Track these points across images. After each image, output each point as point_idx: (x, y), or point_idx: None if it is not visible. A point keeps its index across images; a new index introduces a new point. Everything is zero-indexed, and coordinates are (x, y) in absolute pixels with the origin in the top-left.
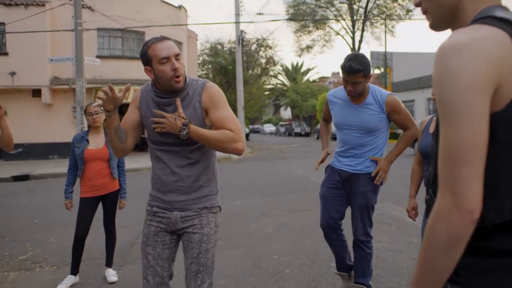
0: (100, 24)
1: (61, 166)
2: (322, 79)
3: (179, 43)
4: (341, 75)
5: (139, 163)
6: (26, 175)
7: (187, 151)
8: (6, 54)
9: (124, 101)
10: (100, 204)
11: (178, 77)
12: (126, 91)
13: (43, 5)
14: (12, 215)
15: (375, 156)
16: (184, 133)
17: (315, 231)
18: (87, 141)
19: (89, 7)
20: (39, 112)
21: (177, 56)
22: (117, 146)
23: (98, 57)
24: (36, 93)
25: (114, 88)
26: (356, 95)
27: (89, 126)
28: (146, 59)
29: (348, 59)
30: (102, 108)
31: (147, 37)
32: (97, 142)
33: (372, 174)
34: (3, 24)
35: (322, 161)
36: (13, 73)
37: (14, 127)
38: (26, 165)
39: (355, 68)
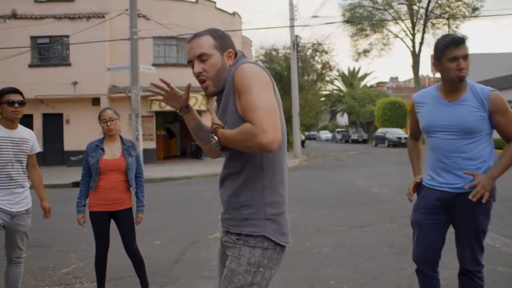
0: (155, 32)
1: None
2: (380, 84)
3: None
4: (398, 79)
5: (192, 170)
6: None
7: (227, 160)
8: (69, 65)
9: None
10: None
11: (202, 82)
12: (188, 90)
13: (103, 16)
14: (64, 224)
15: (480, 169)
16: (213, 142)
17: (376, 252)
18: (102, 150)
19: (144, 16)
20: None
21: (201, 57)
22: (204, 148)
23: (153, 65)
24: (96, 101)
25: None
26: (451, 90)
27: (104, 134)
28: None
29: (445, 36)
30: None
31: None
32: (113, 152)
33: (466, 187)
34: (67, 36)
35: (415, 190)
36: (75, 83)
37: (75, 135)
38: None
39: (461, 37)
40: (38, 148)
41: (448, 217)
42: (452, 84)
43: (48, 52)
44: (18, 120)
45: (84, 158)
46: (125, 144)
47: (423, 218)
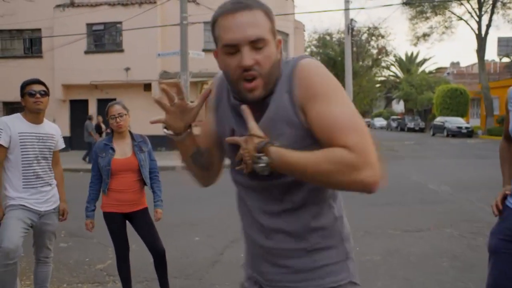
0: (206, 17)
1: (167, 159)
2: (439, 70)
3: (285, 34)
4: (459, 64)
5: None
6: None
7: (279, 191)
8: (122, 51)
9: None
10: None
11: (249, 80)
12: (204, 98)
13: (155, 2)
14: None
15: None
16: (261, 165)
17: (435, 264)
18: (113, 149)
19: (194, 1)
20: (149, 106)
21: (255, 44)
22: (198, 176)
23: (204, 50)
24: (147, 87)
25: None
26: None
27: (112, 131)
28: (214, 36)
29: None
30: (164, 123)
31: None
32: (123, 150)
33: None
34: (120, 23)
35: (503, 203)
36: (127, 69)
37: None
38: None
39: None
40: (62, 144)
41: None
42: None
43: (103, 39)
44: (42, 112)
45: (93, 158)
46: (136, 140)
47: (502, 246)
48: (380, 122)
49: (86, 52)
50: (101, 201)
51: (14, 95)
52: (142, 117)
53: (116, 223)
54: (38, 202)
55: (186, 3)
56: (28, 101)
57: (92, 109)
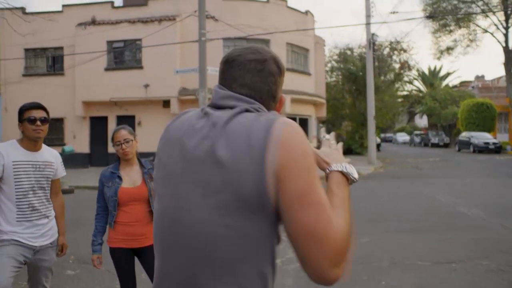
0: (225, 33)
1: None
2: (464, 83)
3: (305, 50)
4: (484, 78)
5: None
6: None
7: None
8: (141, 68)
9: None
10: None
11: None
12: None
13: (174, 19)
14: None
15: None
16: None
17: None
18: (120, 177)
19: (212, 17)
20: (168, 122)
21: None
22: None
23: None
24: (166, 103)
25: None
26: None
27: (118, 158)
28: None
29: None
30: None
31: (273, 45)
32: (132, 178)
33: None
34: (140, 40)
35: None
36: (146, 85)
37: (146, 137)
38: None
39: None
40: (62, 171)
41: None
42: None
43: (122, 56)
44: (41, 140)
45: (98, 188)
46: (145, 167)
47: None
48: (403, 137)
49: (106, 69)
50: (107, 234)
51: None
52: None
53: (124, 260)
54: (33, 236)
55: (205, 19)
56: (27, 128)
57: (112, 126)
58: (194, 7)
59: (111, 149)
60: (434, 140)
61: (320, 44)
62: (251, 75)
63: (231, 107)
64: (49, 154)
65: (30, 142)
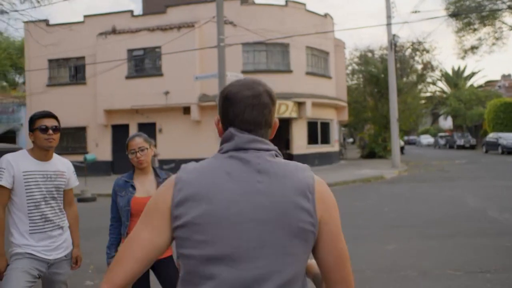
0: (244, 38)
1: None
2: (489, 83)
3: (325, 53)
4: (510, 77)
5: None
6: None
7: None
8: (161, 75)
9: None
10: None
11: None
12: None
13: (193, 26)
14: None
15: None
16: None
17: None
18: (133, 187)
19: (231, 22)
20: (188, 129)
21: None
22: None
23: (243, 72)
24: (187, 110)
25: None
26: None
27: (133, 166)
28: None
29: None
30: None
31: (292, 48)
32: (146, 188)
33: None
34: (159, 47)
35: None
36: (167, 92)
37: (167, 143)
38: None
39: None
40: (75, 181)
41: None
42: None
43: (143, 64)
44: (52, 149)
45: (111, 197)
46: (160, 177)
47: None
48: (427, 139)
49: (127, 77)
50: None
51: (60, 122)
52: (182, 141)
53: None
54: (48, 249)
55: (223, 25)
56: (39, 137)
57: (133, 133)
58: (212, 13)
59: None
60: (460, 141)
61: (340, 46)
62: (250, 110)
63: (257, 149)
64: (61, 164)
65: (41, 152)
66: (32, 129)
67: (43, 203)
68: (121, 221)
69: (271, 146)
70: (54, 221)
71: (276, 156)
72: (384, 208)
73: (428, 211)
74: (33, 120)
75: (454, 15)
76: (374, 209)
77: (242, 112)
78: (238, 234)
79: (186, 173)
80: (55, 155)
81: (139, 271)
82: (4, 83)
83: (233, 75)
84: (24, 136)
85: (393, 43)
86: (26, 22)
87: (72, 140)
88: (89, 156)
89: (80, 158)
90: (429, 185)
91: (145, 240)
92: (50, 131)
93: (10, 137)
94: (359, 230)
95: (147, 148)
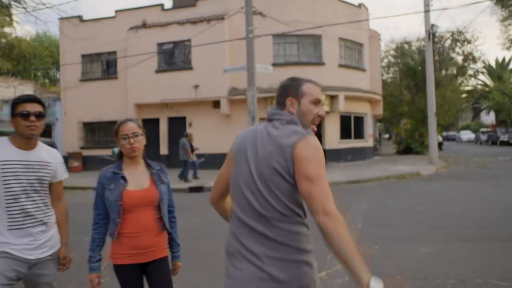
0: (274, 29)
1: None
2: None
3: (359, 44)
4: None
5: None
6: (200, 187)
7: None
8: (191, 68)
9: None
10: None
11: (315, 124)
12: None
13: (223, 18)
14: None
15: None
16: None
17: None
18: (124, 178)
19: (260, 13)
20: (218, 123)
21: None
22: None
23: (273, 64)
24: (216, 104)
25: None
26: None
27: (121, 155)
28: (297, 91)
29: None
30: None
31: (324, 40)
32: (138, 180)
33: None
34: (189, 40)
35: None
36: (196, 86)
37: (197, 137)
38: (205, 175)
39: None
40: (64, 173)
41: None
42: None
43: (172, 57)
44: (36, 137)
45: (96, 192)
46: (153, 168)
47: None
48: (467, 135)
49: (157, 71)
50: (109, 249)
51: (92, 116)
52: (211, 135)
53: (131, 279)
54: (28, 248)
55: (252, 15)
56: (20, 124)
57: (163, 127)
58: (242, 5)
59: (163, 151)
60: (504, 137)
61: (375, 38)
62: (277, 95)
63: (278, 119)
64: (47, 154)
65: (22, 140)
66: (13, 114)
67: (23, 196)
68: (107, 219)
69: (285, 117)
70: (36, 216)
71: (288, 123)
72: (419, 207)
73: (468, 211)
74: (14, 104)
75: (500, 2)
76: (407, 208)
77: (276, 98)
78: (238, 167)
79: (241, 133)
80: (42, 145)
81: (224, 190)
82: (46, 80)
83: (262, 67)
84: (59, 129)
85: (431, 32)
86: (60, 19)
87: (104, 134)
88: (116, 150)
89: (110, 152)
90: (470, 183)
91: (222, 170)
92: (32, 118)
93: (46, 131)
94: (391, 230)
95: (141, 135)
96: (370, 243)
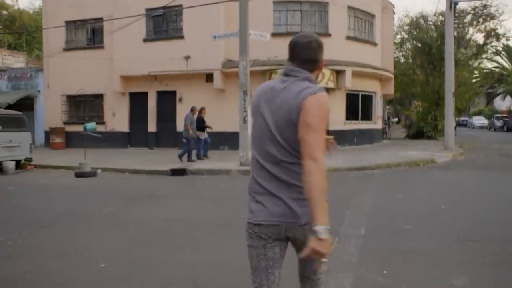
0: None
1: (227, 160)
2: None
3: (371, 16)
4: None
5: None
6: (183, 169)
7: None
8: (182, 37)
9: None
10: None
11: None
12: None
13: None
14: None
15: None
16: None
17: None
18: None
19: None
20: (211, 98)
21: None
22: None
23: (273, 34)
24: (209, 77)
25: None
26: None
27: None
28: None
29: None
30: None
31: (331, 8)
32: None
33: None
34: (180, 6)
35: None
36: (187, 57)
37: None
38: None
39: None
40: None
41: None
42: None
43: (162, 25)
44: None
45: None
46: None
47: None
48: (480, 121)
49: (145, 40)
50: None
51: (77, 88)
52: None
53: None
54: None
55: None
56: None
57: (152, 102)
58: None
59: (151, 128)
60: None
61: (388, 9)
62: (305, 51)
63: (294, 76)
64: None
65: None
66: None
67: None
68: None
69: (302, 75)
70: None
71: (304, 80)
72: (441, 206)
73: (493, 209)
74: None
75: None
76: (425, 207)
77: (300, 53)
78: (257, 117)
79: (260, 87)
80: None
81: None
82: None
83: (257, 34)
84: (41, 103)
85: (453, 3)
86: None
87: (89, 108)
88: (88, 125)
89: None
90: (496, 175)
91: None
92: None
93: (28, 104)
94: (404, 240)
95: None
96: (376, 263)
